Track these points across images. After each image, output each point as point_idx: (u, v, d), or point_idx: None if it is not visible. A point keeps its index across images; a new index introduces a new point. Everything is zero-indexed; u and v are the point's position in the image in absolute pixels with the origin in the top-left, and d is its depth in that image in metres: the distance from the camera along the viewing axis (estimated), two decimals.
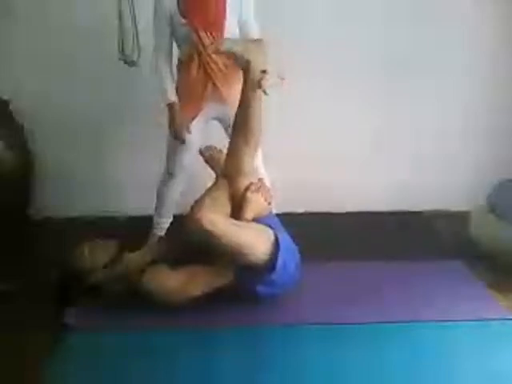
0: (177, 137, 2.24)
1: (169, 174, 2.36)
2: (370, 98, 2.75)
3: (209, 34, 2.12)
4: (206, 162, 2.28)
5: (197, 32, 2.11)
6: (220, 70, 2.19)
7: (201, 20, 2.11)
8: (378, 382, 1.64)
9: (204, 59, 2.16)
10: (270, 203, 2.02)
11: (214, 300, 1.91)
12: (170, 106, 2.21)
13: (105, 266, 1.98)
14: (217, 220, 1.78)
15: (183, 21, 2.11)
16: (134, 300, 1.89)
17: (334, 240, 2.53)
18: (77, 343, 1.82)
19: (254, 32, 2.17)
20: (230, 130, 2.30)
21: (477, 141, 2.82)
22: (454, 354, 1.74)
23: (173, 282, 1.89)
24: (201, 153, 2.31)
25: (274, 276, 1.87)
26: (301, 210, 2.87)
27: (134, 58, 2.58)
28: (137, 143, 2.80)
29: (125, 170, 2.86)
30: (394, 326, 1.89)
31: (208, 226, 1.74)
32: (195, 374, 1.67)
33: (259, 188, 1.98)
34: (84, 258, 1.98)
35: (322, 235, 2.55)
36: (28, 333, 1.85)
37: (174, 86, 2.24)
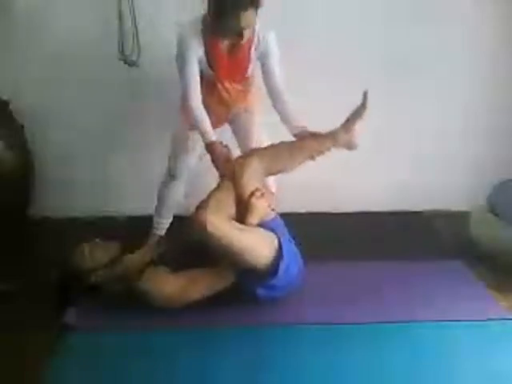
0: (222, 173, 2.16)
1: (170, 176, 2.36)
2: (370, 98, 2.74)
3: (233, 84, 2.19)
4: (213, 160, 2.25)
5: (222, 82, 2.17)
6: (239, 99, 2.25)
7: (227, 75, 2.15)
8: (377, 382, 1.64)
9: (224, 96, 2.21)
10: (273, 209, 2.03)
11: (214, 301, 1.91)
12: (211, 144, 2.11)
13: (105, 266, 1.98)
14: (220, 223, 1.77)
15: (210, 71, 2.12)
16: (133, 300, 1.89)
17: (335, 240, 2.53)
18: (77, 343, 1.82)
19: (279, 80, 2.18)
20: (241, 132, 2.33)
21: (477, 141, 2.82)
22: (454, 354, 1.74)
23: (172, 286, 1.88)
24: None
25: (275, 281, 1.87)
26: (302, 211, 2.87)
27: (134, 58, 2.58)
28: (137, 143, 2.81)
29: (125, 170, 2.86)
30: (393, 326, 1.89)
31: (211, 228, 1.74)
32: (195, 374, 1.67)
33: (263, 194, 1.98)
34: (84, 258, 1.98)
35: (322, 235, 2.55)
36: (28, 333, 1.85)
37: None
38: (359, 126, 2.18)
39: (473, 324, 1.89)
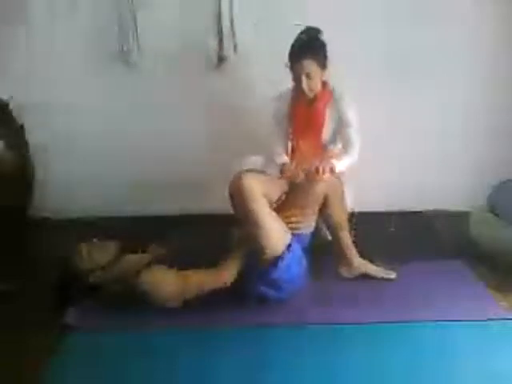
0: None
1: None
2: (370, 98, 2.74)
3: (307, 142, 2.30)
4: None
5: (296, 139, 2.32)
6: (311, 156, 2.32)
7: (303, 132, 2.28)
8: (378, 382, 1.64)
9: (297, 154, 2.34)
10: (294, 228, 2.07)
11: (214, 300, 1.91)
12: (284, 165, 2.25)
13: (103, 267, 1.98)
14: (255, 189, 1.87)
15: (289, 129, 2.32)
16: (133, 300, 1.89)
17: None
18: (77, 343, 1.82)
19: (355, 140, 2.28)
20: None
21: (477, 141, 2.82)
22: (454, 354, 1.74)
23: (170, 284, 1.89)
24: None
25: (275, 274, 1.88)
26: None
27: (134, 58, 2.58)
28: (136, 143, 2.80)
29: (124, 169, 2.86)
30: (393, 326, 1.89)
31: (246, 188, 1.85)
32: (195, 374, 1.67)
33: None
34: (82, 259, 1.98)
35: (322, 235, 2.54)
36: (28, 333, 1.85)
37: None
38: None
39: (473, 324, 1.89)
